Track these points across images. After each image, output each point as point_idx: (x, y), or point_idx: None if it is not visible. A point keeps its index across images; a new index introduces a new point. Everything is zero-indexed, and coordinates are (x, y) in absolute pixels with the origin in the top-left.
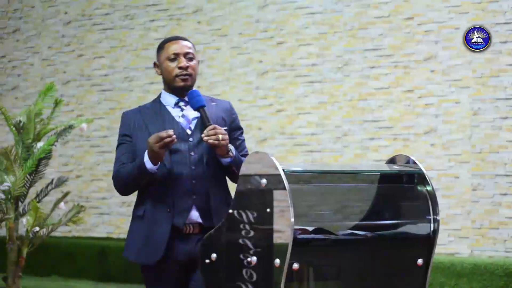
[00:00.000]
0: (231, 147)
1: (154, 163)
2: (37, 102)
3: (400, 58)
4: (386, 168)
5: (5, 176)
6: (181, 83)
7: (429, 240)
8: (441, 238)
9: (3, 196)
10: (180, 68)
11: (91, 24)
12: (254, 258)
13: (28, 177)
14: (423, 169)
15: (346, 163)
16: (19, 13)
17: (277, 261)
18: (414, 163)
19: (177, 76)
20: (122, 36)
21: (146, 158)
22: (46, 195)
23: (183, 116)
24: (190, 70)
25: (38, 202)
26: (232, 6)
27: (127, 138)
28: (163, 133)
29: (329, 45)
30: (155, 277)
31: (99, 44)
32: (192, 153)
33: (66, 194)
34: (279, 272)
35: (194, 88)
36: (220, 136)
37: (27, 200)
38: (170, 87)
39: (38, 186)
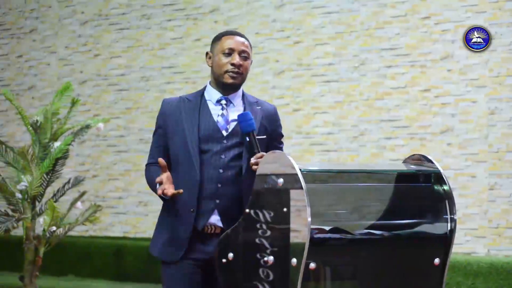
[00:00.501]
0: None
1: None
2: (54, 102)
3: (416, 58)
4: (402, 167)
5: (22, 176)
6: (230, 80)
7: (446, 240)
8: (457, 238)
9: (20, 196)
10: (232, 64)
11: (107, 23)
12: (271, 258)
13: (45, 176)
14: (440, 168)
15: (363, 163)
16: (35, 13)
17: (294, 260)
18: (431, 162)
19: (227, 72)
20: (139, 35)
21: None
22: (63, 194)
23: (222, 115)
24: (241, 69)
25: (55, 201)
26: (249, 5)
27: (159, 130)
28: (173, 192)
29: (346, 44)
30: (173, 275)
31: (116, 43)
32: (223, 156)
33: (83, 193)
34: (295, 271)
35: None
36: None
37: (44, 199)
38: (217, 81)
39: (55, 185)
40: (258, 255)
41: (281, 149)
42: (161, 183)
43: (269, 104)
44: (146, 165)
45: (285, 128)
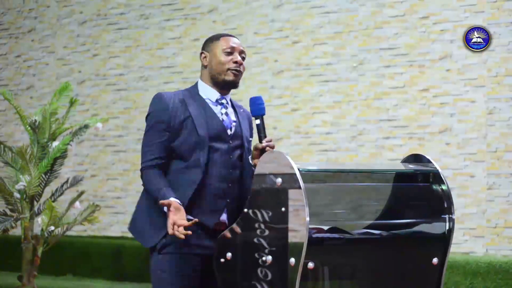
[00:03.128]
0: None
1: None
2: (52, 102)
3: (415, 57)
4: (401, 167)
5: (21, 176)
6: (232, 77)
7: (444, 239)
8: (456, 237)
9: (18, 196)
10: (235, 62)
11: (106, 23)
12: (269, 257)
13: (44, 176)
14: (438, 168)
15: (361, 162)
16: (34, 12)
17: (292, 260)
18: (430, 162)
19: (229, 69)
20: (137, 35)
21: (164, 204)
22: (61, 194)
23: (226, 114)
24: (242, 68)
25: (53, 201)
26: (247, 5)
27: (161, 125)
28: (186, 223)
29: (344, 44)
30: (175, 268)
31: (114, 43)
32: (231, 156)
33: (81, 193)
34: (294, 271)
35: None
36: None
37: (43, 199)
38: (215, 80)
39: (53, 185)
40: (256, 255)
41: None
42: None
43: (245, 109)
44: (144, 166)
45: (284, 127)
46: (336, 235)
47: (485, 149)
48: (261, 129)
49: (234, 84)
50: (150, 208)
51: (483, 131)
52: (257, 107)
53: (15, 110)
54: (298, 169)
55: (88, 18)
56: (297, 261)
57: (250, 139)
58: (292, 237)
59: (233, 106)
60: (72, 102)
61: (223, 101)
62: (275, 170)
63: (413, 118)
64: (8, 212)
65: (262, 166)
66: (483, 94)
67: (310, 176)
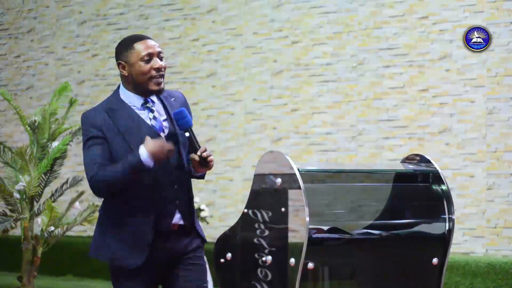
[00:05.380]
0: None
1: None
2: (52, 102)
3: (414, 57)
4: (401, 167)
5: (20, 176)
6: (156, 87)
7: (444, 240)
8: (456, 238)
9: (18, 196)
10: (156, 69)
11: (105, 24)
12: (269, 258)
13: (43, 176)
14: (438, 168)
15: (361, 163)
16: (33, 13)
17: (292, 260)
18: (429, 162)
19: (152, 78)
20: None
21: (144, 157)
22: (61, 194)
23: (154, 118)
24: (163, 71)
25: (53, 201)
26: (247, 5)
27: (98, 140)
28: (167, 146)
29: (344, 44)
30: (131, 276)
31: (114, 44)
32: (171, 158)
33: (81, 193)
34: (294, 271)
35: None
36: (211, 162)
37: (42, 199)
38: (139, 89)
39: (53, 185)
40: (256, 255)
41: None
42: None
43: (176, 92)
44: (93, 175)
45: (283, 128)
46: (336, 235)
47: (485, 149)
48: (193, 141)
49: (159, 92)
50: (111, 233)
51: (483, 131)
52: (182, 121)
53: (15, 110)
54: (298, 169)
55: (88, 18)
56: (297, 261)
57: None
58: (292, 237)
59: (161, 101)
60: (71, 102)
61: (149, 104)
62: (275, 170)
63: (413, 118)
64: (8, 213)
65: (262, 166)
66: (483, 94)
67: (310, 176)
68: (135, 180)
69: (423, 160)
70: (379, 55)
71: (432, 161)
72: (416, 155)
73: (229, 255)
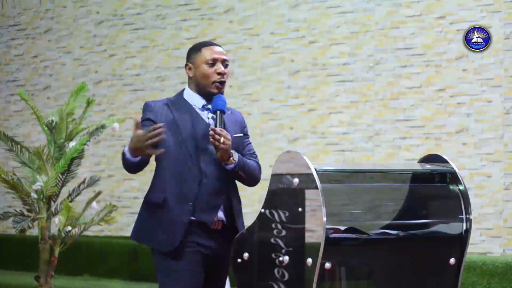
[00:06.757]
0: (234, 153)
1: (135, 155)
2: (69, 102)
3: (431, 57)
4: (418, 167)
5: (38, 176)
6: (216, 90)
7: (462, 240)
8: (473, 238)
9: (35, 196)
10: (219, 74)
11: (122, 24)
12: (286, 258)
13: (60, 176)
14: (455, 168)
15: (378, 163)
16: (51, 13)
17: (309, 260)
18: (446, 162)
19: (214, 82)
20: (154, 35)
21: (125, 149)
22: (78, 194)
23: (212, 118)
24: (225, 77)
25: (70, 201)
26: (264, 5)
27: (151, 123)
28: (151, 128)
29: (361, 44)
30: (180, 265)
31: (131, 44)
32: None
33: (98, 193)
34: (311, 271)
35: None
36: (222, 139)
37: (60, 199)
38: (201, 91)
39: (70, 185)
40: (273, 255)
41: (249, 143)
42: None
43: (236, 111)
44: (122, 152)
45: (300, 128)
46: (353, 235)
47: (502, 149)
48: (217, 121)
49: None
50: (151, 216)
51: (500, 131)
52: (219, 103)
53: (32, 110)
54: (315, 169)
55: (105, 18)
56: (314, 261)
57: (240, 134)
58: (309, 237)
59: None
60: (88, 103)
61: (209, 106)
62: (292, 170)
63: (430, 118)
64: (25, 213)
65: (279, 166)
66: (500, 94)
67: (327, 176)
68: (137, 166)
69: (440, 160)
70: (396, 55)
71: (449, 161)
72: (433, 155)
73: (246, 255)
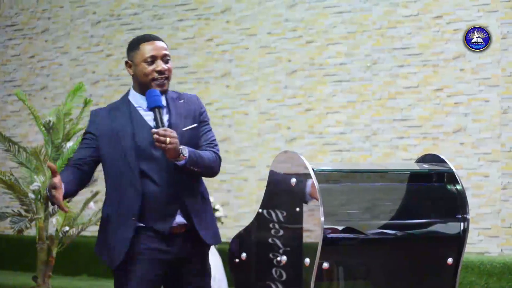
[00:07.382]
0: (183, 149)
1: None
2: (66, 102)
3: (429, 57)
4: (415, 167)
5: (35, 176)
6: (157, 89)
7: (459, 239)
8: (470, 237)
9: (33, 196)
10: (158, 72)
11: (119, 24)
12: (284, 258)
13: None
14: (453, 168)
15: (375, 162)
16: (47, 13)
17: (307, 260)
18: (444, 162)
19: (154, 80)
20: None
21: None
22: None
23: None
24: (167, 73)
25: (67, 201)
26: (261, 5)
27: (91, 136)
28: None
29: (358, 44)
30: (133, 275)
31: (128, 44)
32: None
33: (96, 193)
34: (309, 271)
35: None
36: (168, 139)
37: None
38: (143, 89)
39: None
40: (271, 255)
41: (208, 131)
42: (54, 187)
43: (191, 95)
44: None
45: (298, 128)
46: (350, 235)
47: (500, 149)
48: (158, 122)
49: (162, 93)
50: (101, 232)
51: (497, 131)
52: (152, 99)
53: (29, 110)
54: (313, 169)
55: (102, 18)
56: (312, 261)
57: (193, 125)
58: (307, 237)
59: (167, 103)
60: (86, 103)
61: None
62: (290, 170)
63: (427, 118)
64: (23, 213)
65: (277, 166)
66: (497, 94)
67: (325, 176)
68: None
69: (438, 160)
70: (393, 55)
71: (446, 161)
72: (431, 154)
73: (243, 255)
